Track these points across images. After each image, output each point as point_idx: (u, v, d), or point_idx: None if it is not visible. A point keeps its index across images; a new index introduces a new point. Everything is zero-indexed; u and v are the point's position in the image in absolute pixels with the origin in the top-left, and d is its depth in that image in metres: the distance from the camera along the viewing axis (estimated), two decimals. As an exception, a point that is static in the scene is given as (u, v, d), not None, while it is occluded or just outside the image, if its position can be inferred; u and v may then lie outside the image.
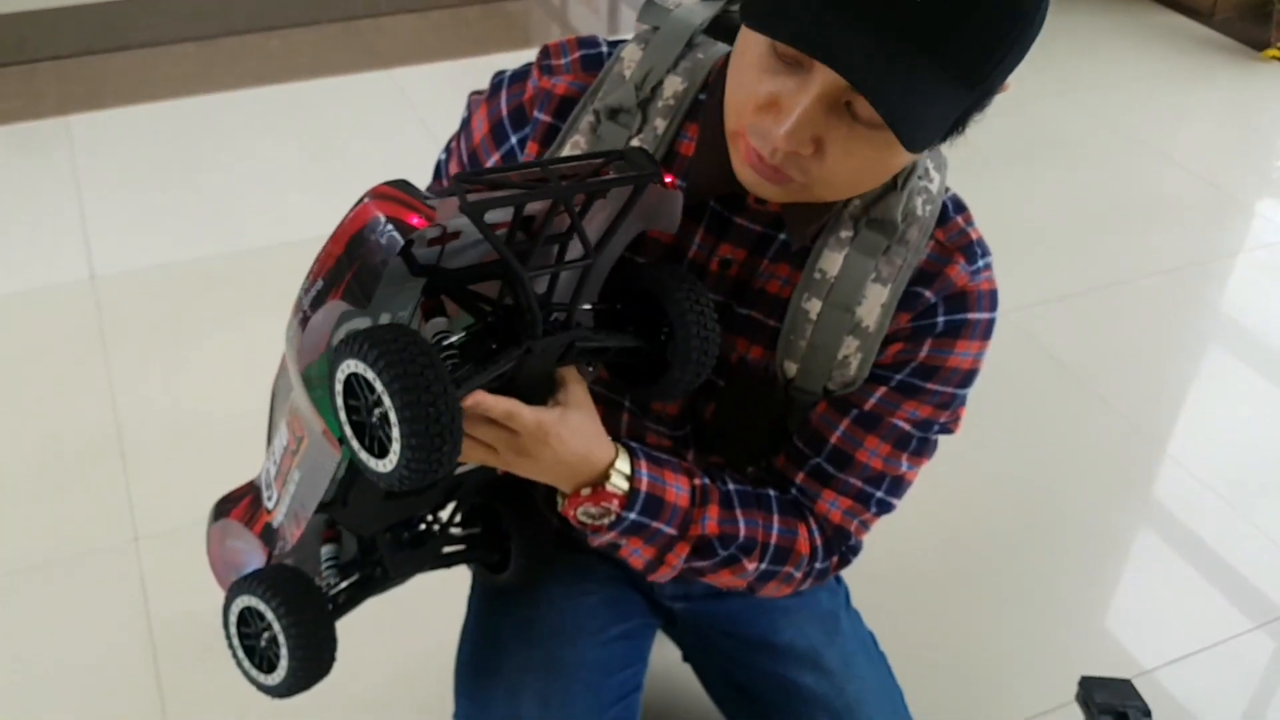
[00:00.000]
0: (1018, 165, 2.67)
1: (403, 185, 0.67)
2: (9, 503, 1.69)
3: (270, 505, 0.82)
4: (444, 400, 0.65)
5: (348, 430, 0.70)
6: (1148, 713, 1.19)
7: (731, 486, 0.93)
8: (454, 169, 0.96)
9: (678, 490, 0.89)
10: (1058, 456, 1.91)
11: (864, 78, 0.66)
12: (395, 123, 2.70)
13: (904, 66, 0.66)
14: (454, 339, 0.76)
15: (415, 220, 0.64)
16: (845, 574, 1.13)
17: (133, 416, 1.84)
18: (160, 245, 2.24)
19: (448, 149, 0.98)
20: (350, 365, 0.67)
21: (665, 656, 1.21)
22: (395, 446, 0.66)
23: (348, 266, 0.67)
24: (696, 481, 0.90)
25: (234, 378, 1.91)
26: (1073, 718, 1.26)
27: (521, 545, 1.02)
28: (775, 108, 0.72)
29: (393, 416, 0.65)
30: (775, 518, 0.93)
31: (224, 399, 1.87)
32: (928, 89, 0.67)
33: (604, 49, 0.90)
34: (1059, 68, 3.11)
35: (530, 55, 0.92)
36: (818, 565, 0.96)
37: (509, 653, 1.07)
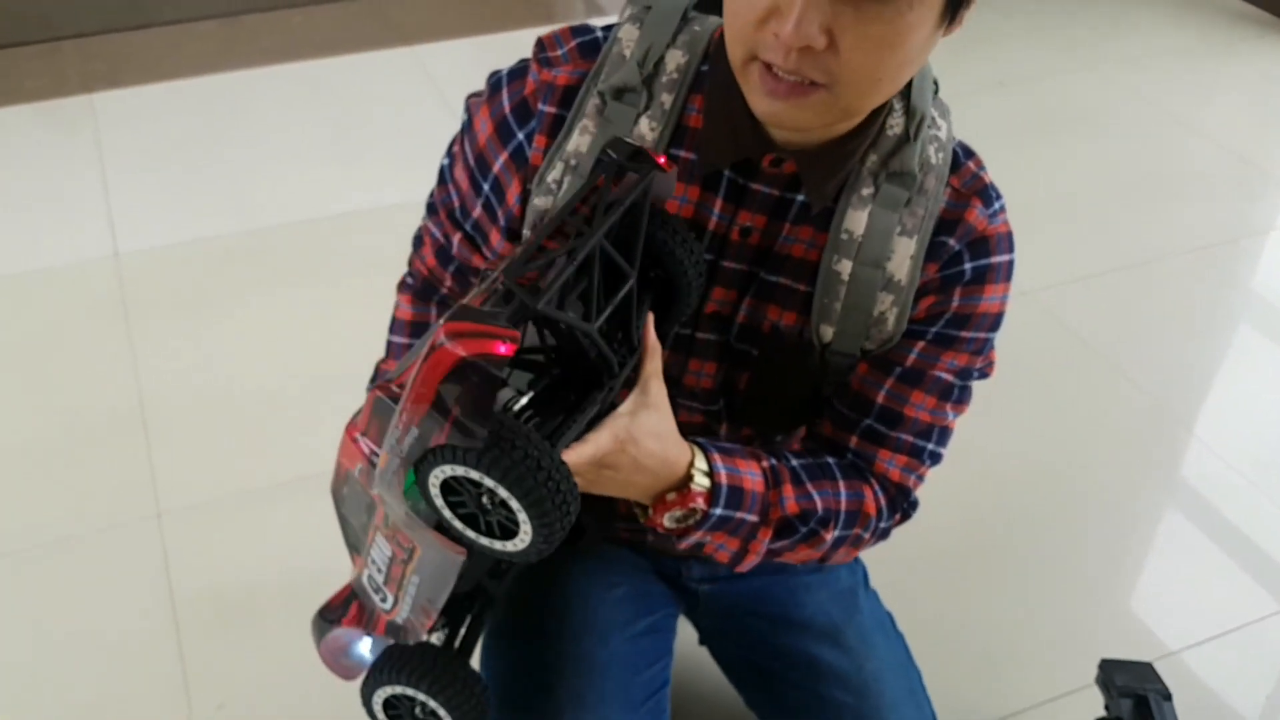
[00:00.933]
0: (1045, 141, 2.64)
1: (467, 314, 0.66)
2: (33, 477, 1.71)
3: (388, 607, 0.83)
4: (556, 470, 0.67)
5: (459, 525, 0.71)
6: (1168, 696, 1.19)
7: (795, 462, 0.94)
8: (459, 173, 0.96)
9: (752, 477, 0.90)
10: (1083, 437, 1.89)
11: None
12: (417, 99, 2.69)
13: None
14: (524, 400, 0.77)
15: (502, 349, 0.63)
16: (865, 554, 1.13)
17: (156, 392, 1.85)
18: (184, 222, 2.25)
19: (450, 154, 0.98)
20: (446, 470, 0.67)
21: (681, 639, 1.21)
22: (526, 528, 0.68)
23: (445, 413, 0.65)
24: (765, 464, 0.92)
25: (257, 353, 1.92)
26: (1093, 700, 1.26)
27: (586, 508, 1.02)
28: (777, 13, 0.73)
29: (514, 504, 0.67)
30: (841, 483, 0.95)
31: (247, 375, 1.88)
32: None
33: (599, 34, 0.91)
34: (1087, 41, 3.06)
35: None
36: (882, 525, 0.98)
37: (539, 650, 1.07)
